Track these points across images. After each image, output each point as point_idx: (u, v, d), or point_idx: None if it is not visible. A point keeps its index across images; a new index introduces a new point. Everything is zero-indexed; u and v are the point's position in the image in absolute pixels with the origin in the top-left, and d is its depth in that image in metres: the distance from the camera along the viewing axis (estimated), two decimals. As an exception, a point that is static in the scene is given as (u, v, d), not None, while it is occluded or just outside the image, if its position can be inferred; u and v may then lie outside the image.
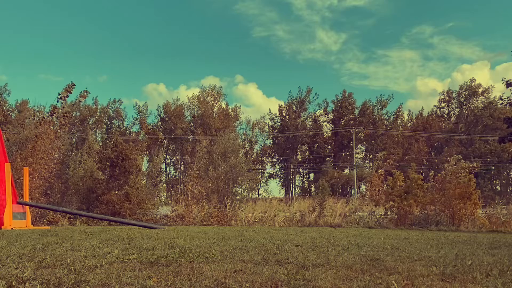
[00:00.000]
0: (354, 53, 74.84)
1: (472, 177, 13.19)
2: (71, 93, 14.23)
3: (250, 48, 74.97)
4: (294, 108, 55.55)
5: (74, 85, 14.25)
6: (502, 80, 17.78)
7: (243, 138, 53.00)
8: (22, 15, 67.79)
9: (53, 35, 70.91)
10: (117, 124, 57.00)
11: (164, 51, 76.11)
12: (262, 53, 75.68)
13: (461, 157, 14.36)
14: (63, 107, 14.34)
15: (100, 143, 17.21)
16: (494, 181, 53.30)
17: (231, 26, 75.44)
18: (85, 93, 14.95)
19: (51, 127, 13.78)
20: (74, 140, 47.51)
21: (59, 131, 14.40)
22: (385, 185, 17.09)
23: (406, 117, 58.16)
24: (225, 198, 13.96)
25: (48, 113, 14.26)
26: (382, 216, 13.90)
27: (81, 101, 14.93)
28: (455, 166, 13.54)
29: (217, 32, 75.86)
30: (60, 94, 14.10)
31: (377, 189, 20.67)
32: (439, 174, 14.23)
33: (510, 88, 17.58)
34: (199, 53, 75.48)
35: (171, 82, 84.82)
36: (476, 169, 13.98)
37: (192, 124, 55.87)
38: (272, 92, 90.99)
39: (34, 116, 14.75)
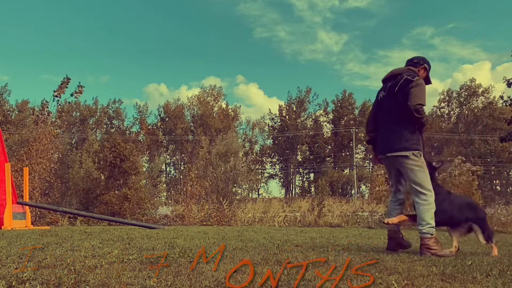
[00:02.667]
0: (355, 53, 74.91)
1: (475, 178, 13.19)
2: (67, 87, 13.86)
3: (252, 49, 75.01)
4: (294, 108, 55.55)
5: (70, 79, 13.91)
6: (503, 79, 17.70)
7: (243, 138, 53.00)
8: (24, 14, 67.83)
9: (55, 34, 70.92)
10: (117, 124, 56.99)
11: (165, 51, 76.14)
12: (263, 53, 75.75)
13: (464, 159, 14.32)
14: (59, 105, 14.14)
15: (98, 144, 17.05)
16: (494, 181, 53.32)
17: (232, 27, 75.49)
18: (80, 88, 14.32)
19: (51, 127, 13.74)
20: (74, 140, 47.51)
21: (56, 130, 14.29)
22: (386, 186, 17.07)
23: (406, 117, 58.11)
24: (225, 198, 13.96)
25: (39, 110, 14.05)
26: (383, 217, 13.89)
27: (77, 98, 14.48)
28: (457, 168, 13.51)
29: (219, 32, 75.91)
30: (55, 92, 13.80)
31: (377, 189, 20.66)
32: (442, 175, 14.21)
33: None
34: (201, 54, 75.50)
35: (172, 82, 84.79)
36: (479, 172, 13.92)
37: (192, 124, 55.86)
38: (273, 92, 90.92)
39: (33, 114, 14.65)
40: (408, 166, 3.92)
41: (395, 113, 3.98)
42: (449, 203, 4.12)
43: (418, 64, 4.20)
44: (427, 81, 4.27)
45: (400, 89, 3.94)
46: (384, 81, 4.24)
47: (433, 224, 3.87)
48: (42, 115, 13.81)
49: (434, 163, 4.18)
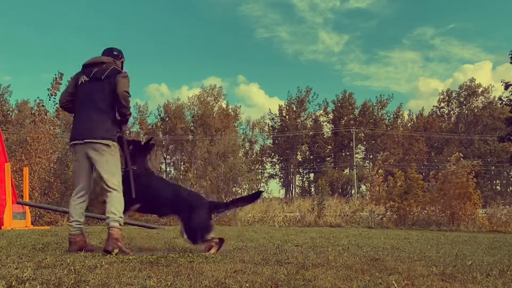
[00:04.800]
0: (356, 54, 74.75)
1: (471, 177, 13.17)
2: (60, 84, 13.78)
3: (253, 49, 74.86)
4: (294, 108, 55.51)
5: (62, 74, 13.81)
6: (501, 82, 17.78)
7: (242, 138, 52.92)
8: (25, 13, 67.78)
9: (55, 34, 70.79)
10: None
11: (166, 51, 76.02)
12: (265, 54, 75.64)
13: (462, 155, 14.33)
14: (56, 103, 14.09)
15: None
16: (494, 181, 53.32)
17: (234, 27, 75.37)
18: None
19: (50, 127, 13.72)
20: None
21: (56, 130, 14.26)
22: (385, 185, 17.09)
23: (406, 117, 58.17)
24: (225, 198, 13.96)
25: (37, 109, 14.01)
26: (382, 216, 13.90)
27: None
28: (455, 166, 13.52)
29: (220, 33, 75.77)
30: (50, 90, 13.71)
31: (377, 188, 20.65)
32: (440, 174, 14.23)
33: (509, 89, 17.61)
34: (202, 54, 75.26)
35: (173, 82, 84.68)
36: (476, 167, 13.91)
37: (192, 124, 55.81)
38: (274, 92, 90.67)
39: (31, 114, 14.65)
40: (106, 155, 3.80)
41: (98, 101, 3.86)
42: (154, 191, 3.96)
43: (118, 58, 4.20)
44: None
45: (107, 77, 3.85)
46: (87, 66, 4.02)
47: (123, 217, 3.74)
48: (39, 115, 13.79)
49: (149, 152, 4.18)
